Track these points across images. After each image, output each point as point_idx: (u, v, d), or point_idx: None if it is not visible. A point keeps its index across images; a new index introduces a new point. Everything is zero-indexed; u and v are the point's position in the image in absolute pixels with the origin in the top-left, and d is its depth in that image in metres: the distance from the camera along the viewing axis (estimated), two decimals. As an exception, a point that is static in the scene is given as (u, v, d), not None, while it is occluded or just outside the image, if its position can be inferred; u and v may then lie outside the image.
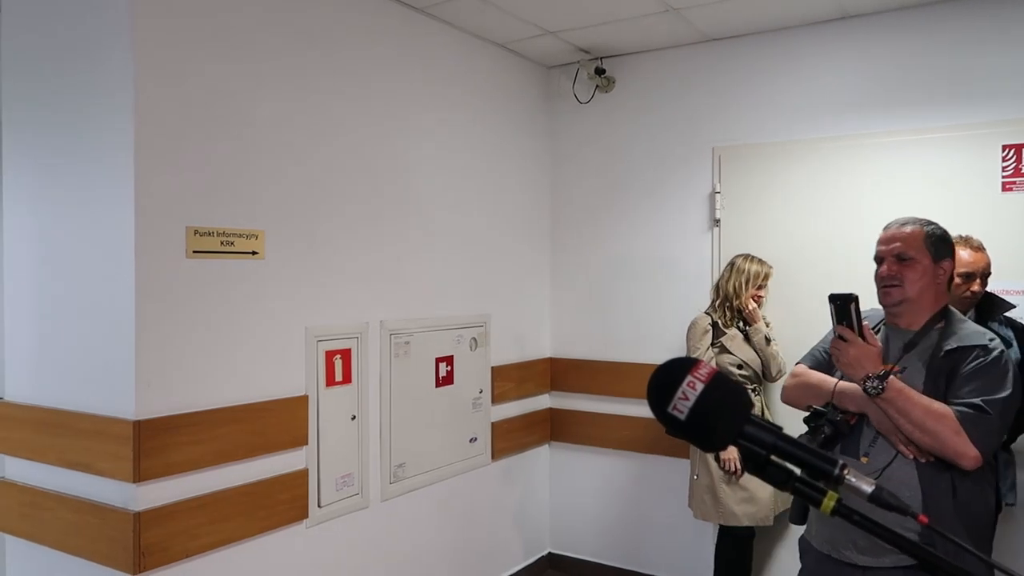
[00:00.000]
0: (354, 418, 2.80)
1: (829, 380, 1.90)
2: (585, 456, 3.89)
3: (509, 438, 3.65)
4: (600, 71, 3.75)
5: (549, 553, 3.98)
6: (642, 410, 3.23)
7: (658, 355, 3.43)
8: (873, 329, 1.87)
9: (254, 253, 2.44)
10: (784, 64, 3.39)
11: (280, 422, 2.50)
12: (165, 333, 2.19)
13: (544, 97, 3.96)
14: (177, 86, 2.23)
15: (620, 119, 3.79)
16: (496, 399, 3.55)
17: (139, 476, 2.10)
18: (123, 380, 2.14)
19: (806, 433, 1.81)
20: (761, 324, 3.22)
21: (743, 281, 3.22)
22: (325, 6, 2.70)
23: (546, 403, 3.96)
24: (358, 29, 2.84)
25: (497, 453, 3.56)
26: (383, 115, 2.95)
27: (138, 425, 2.10)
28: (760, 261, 3.26)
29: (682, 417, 0.90)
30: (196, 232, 2.27)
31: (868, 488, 0.90)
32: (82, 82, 2.25)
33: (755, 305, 3.24)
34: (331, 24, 2.73)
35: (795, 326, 3.21)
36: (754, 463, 0.93)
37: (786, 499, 2.91)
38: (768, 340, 3.19)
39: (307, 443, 2.61)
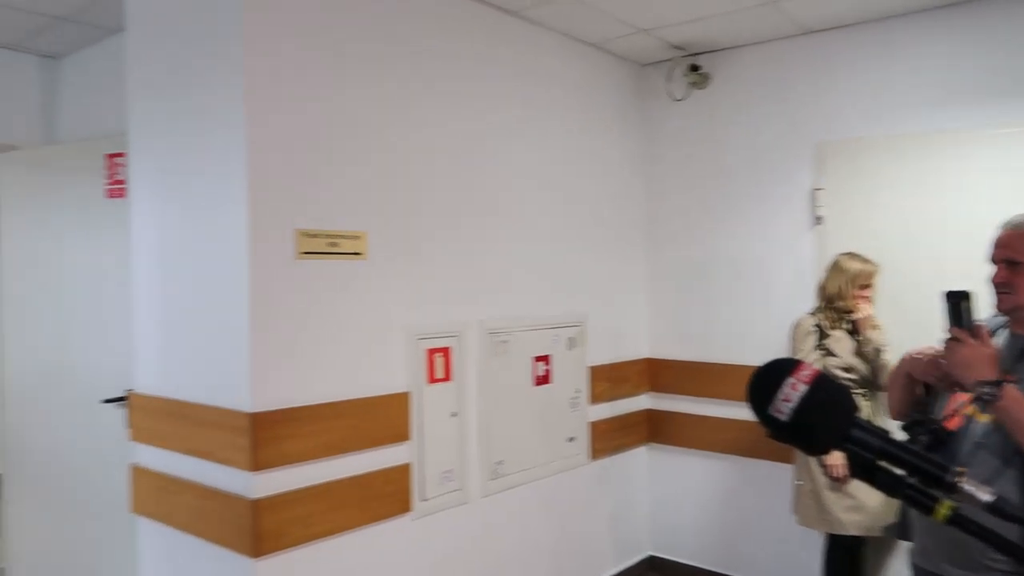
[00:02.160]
0: (454, 415, 2.87)
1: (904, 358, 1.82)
2: (685, 458, 3.83)
3: (607, 438, 3.64)
4: (695, 68, 3.69)
5: (650, 556, 3.94)
6: (743, 412, 3.16)
7: (759, 356, 3.33)
8: (994, 332, 1.76)
9: (358, 254, 2.54)
10: (888, 55, 3.24)
11: (384, 417, 2.60)
12: (277, 331, 2.31)
13: (637, 95, 3.92)
14: (285, 98, 2.35)
15: (716, 116, 3.72)
16: (593, 399, 3.55)
17: (256, 465, 2.22)
18: (239, 375, 2.27)
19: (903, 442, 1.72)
20: (872, 333, 3.03)
21: (846, 281, 3.08)
22: (422, 13, 2.78)
23: (644, 404, 3.92)
24: (453, 34, 2.91)
25: (595, 453, 3.56)
26: (480, 118, 3.01)
27: (254, 417, 2.22)
28: (864, 259, 3.11)
29: (783, 419, 0.89)
30: (304, 234, 2.38)
31: (987, 497, 0.86)
32: (197, 99, 2.40)
33: (866, 312, 3.06)
34: (428, 30, 2.80)
35: (905, 327, 3.07)
36: (861, 468, 0.90)
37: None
38: (879, 351, 3.02)
39: (410, 438, 2.69)
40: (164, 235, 2.57)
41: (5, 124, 3.91)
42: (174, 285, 2.53)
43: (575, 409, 3.45)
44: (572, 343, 3.44)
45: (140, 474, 2.63)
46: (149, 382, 2.63)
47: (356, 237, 2.53)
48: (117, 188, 3.33)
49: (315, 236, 2.41)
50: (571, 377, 3.43)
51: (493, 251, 3.05)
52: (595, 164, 3.63)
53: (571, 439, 3.42)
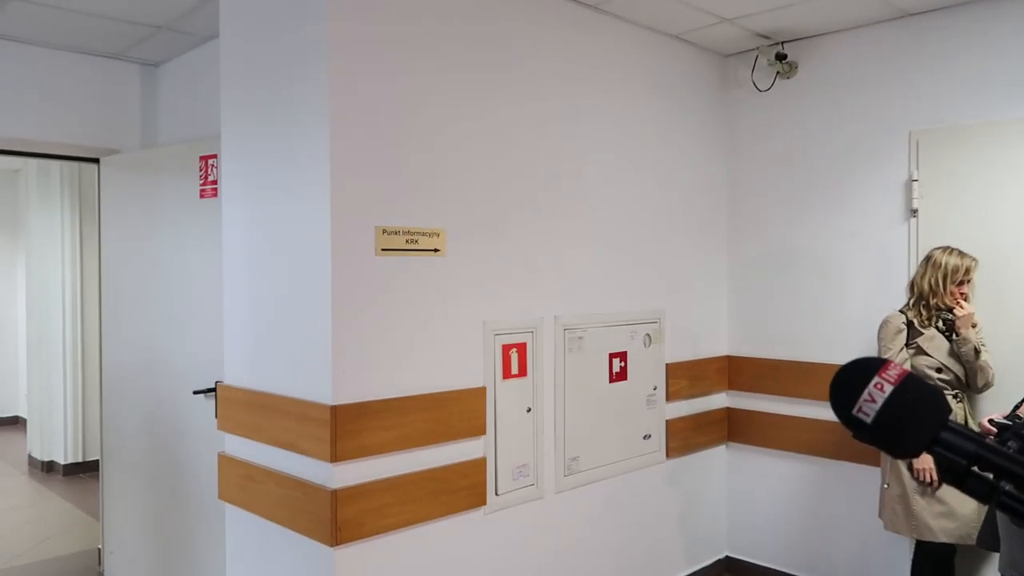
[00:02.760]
0: (529, 410, 2.88)
1: None
2: (765, 459, 3.73)
3: (684, 436, 3.58)
4: (781, 56, 3.58)
5: (727, 557, 3.86)
6: (827, 413, 3.06)
7: (845, 355, 3.22)
8: None
9: (436, 250, 2.58)
10: (988, 38, 3.06)
11: (460, 412, 2.63)
12: (357, 326, 2.37)
13: (720, 87, 3.84)
14: (366, 96, 2.40)
15: (803, 106, 3.60)
16: (670, 396, 3.50)
17: (336, 457, 2.29)
18: (321, 368, 2.34)
19: None
20: (969, 333, 2.87)
21: (940, 277, 2.91)
22: (502, 10, 2.79)
23: (723, 402, 3.84)
24: (532, 30, 2.91)
25: (672, 451, 3.51)
26: (556, 113, 3.00)
27: (335, 410, 2.29)
28: (961, 254, 2.94)
29: (868, 421, 0.86)
30: (384, 231, 2.43)
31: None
32: (283, 102, 2.48)
33: (966, 311, 2.88)
34: (508, 28, 2.82)
35: (1006, 326, 2.90)
36: (952, 474, 0.86)
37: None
38: (978, 352, 2.85)
39: (485, 433, 2.71)
40: (252, 233, 2.67)
41: (109, 130, 4.14)
42: (261, 281, 2.62)
43: (651, 406, 3.41)
44: (649, 339, 3.40)
45: (227, 462, 2.74)
46: (237, 374, 2.74)
47: (434, 234, 2.57)
48: (210, 188, 3.48)
49: (395, 233, 2.46)
50: (648, 374, 3.39)
51: (570, 247, 3.05)
52: (675, 157, 3.57)
53: (647, 437, 3.39)
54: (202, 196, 3.52)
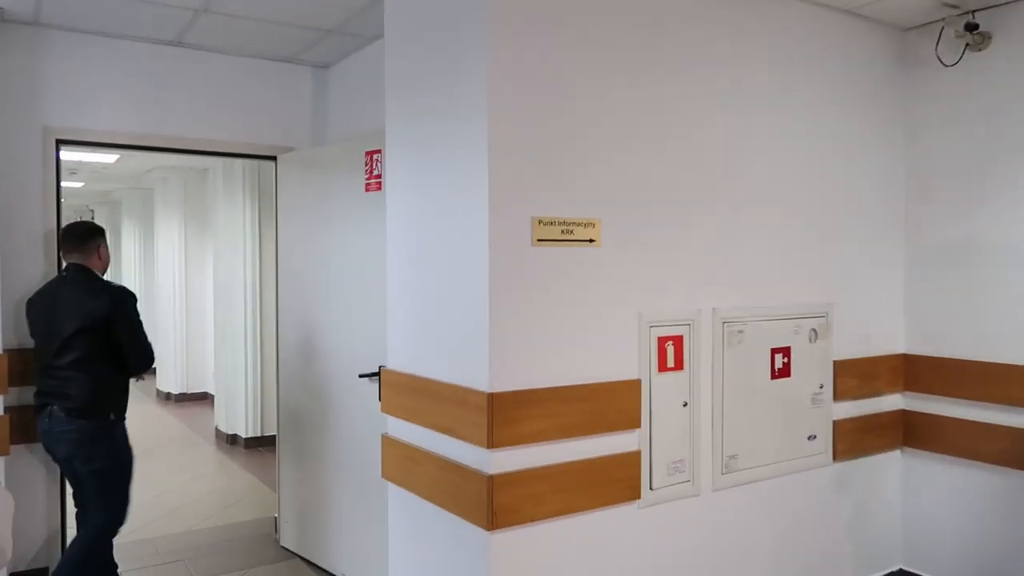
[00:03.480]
0: (686, 405, 2.80)
1: None
2: (948, 467, 3.43)
3: (853, 439, 3.36)
4: (971, 26, 3.25)
5: (900, 570, 3.59)
6: (1024, 420, 2.77)
7: (1047, 356, 2.90)
8: None
9: (591, 241, 2.56)
10: None
11: (615, 404, 2.60)
12: (513, 315, 2.39)
13: (897, 64, 3.54)
14: (522, 90, 2.42)
15: (997, 81, 3.25)
16: (838, 396, 3.29)
17: (492, 443, 2.33)
18: (479, 356, 2.39)
19: None
20: None
21: None
22: (660, -5, 2.72)
23: (898, 404, 3.57)
24: (689, 10, 2.81)
25: (839, 454, 3.30)
26: (716, 96, 2.89)
27: (491, 397, 2.33)
28: None
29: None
30: (540, 222, 2.44)
31: None
32: (444, 97, 2.55)
33: None
34: (664, 10, 2.74)
35: None
36: None
37: None
38: None
39: (640, 426, 2.67)
40: (414, 225, 2.77)
41: (285, 129, 4.45)
42: (422, 271, 2.72)
43: (817, 405, 3.22)
44: (815, 335, 3.21)
45: (389, 443, 2.87)
46: (399, 359, 2.85)
47: (589, 224, 2.55)
48: (375, 182, 3.65)
49: (550, 224, 2.47)
50: (813, 371, 3.21)
51: (730, 237, 2.93)
52: (846, 140, 3.34)
53: (811, 437, 3.20)
54: (367, 190, 3.70)
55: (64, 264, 3.52)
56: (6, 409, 3.59)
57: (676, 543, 2.80)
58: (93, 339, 3.31)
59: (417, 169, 2.75)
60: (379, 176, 3.58)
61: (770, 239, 3.06)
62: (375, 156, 3.62)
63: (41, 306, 3.48)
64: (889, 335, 3.54)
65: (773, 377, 3.07)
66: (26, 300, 3.58)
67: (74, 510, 3.52)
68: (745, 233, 2.98)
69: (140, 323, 3.45)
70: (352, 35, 3.90)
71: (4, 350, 3.58)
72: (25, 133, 3.79)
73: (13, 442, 3.59)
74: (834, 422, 3.28)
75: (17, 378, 3.64)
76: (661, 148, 2.74)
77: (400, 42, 2.86)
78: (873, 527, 3.49)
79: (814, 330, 3.21)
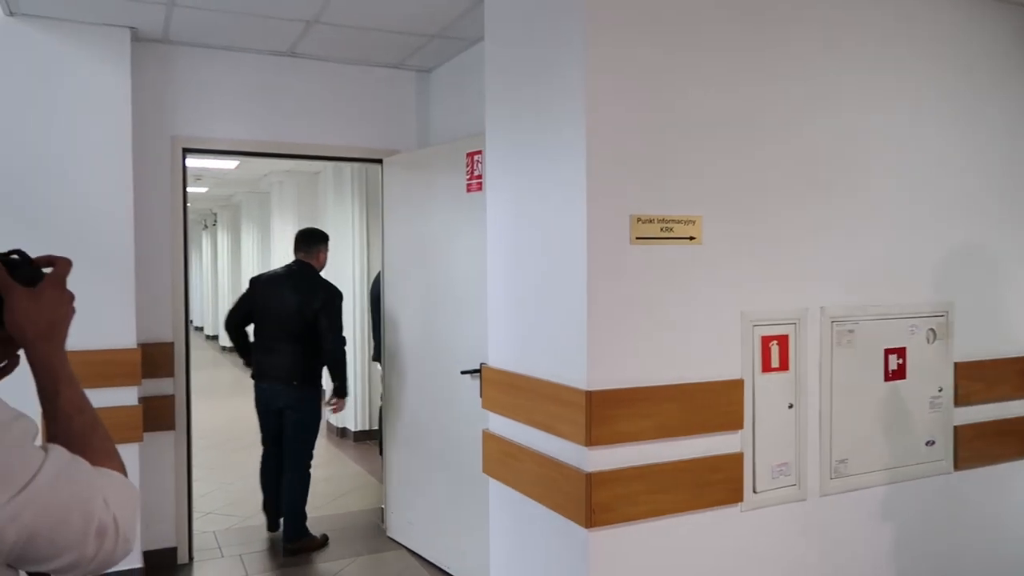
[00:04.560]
0: (791, 406, 2.72)
1: None
2: (1085, 479, 3.17)
3: (977, 447, 3.16)
4: (1115, 1, 2.99)
5: (1031, 587, 3.35)
6: None
7: None
8: None
9: (692, 238, 2.52)
10: None
11: (716, 404, 2.55)
12: (612, 313, 2.39)
13: (1029, 45, 3.30)
14: (623, 86, 2.41)
15: None
16: (960, 400, 3.10)
17: (590, 441, 2.34)
18: (577, 354, 2.40)
19: None
20: None
21: None
22: (763, -15, 2.65)
23: (1029, 410, 3.32)
24: (805, 3, 2.72)
25: (961, 462, 3.11)
26: (823, 89, 2.78)
27: (590, 395, 2.34)
28: None
29: None
30: (639, 220, 2.43)
31: None
32: (543, 98, 2.57)
33: None
34: (781, 6, 2.66)
35: None
36: None
37: None
38: None
39: (742, 427, 2.61)
40: (514, 224, 2.81)
41: (391, 133, 4.60)
42: (521, 269, 2.75)
43: (936, 410, 3.05)
44: (933, 335, 3.04)
45: (490, 439, 2.92)
46: (499, 356, 2.90)
47: (690, 221, 2.52)
48: (476, 183, 3.72)
49: (649, 221, 2.45)
50: (932, 373, 3.04)
51: (839, 231, 2.82)
52: (970, 128, 3.14)
53: (930, 443, 3.03)
54: (468, 190, 3.78)
55: (293, 258, 4.59)
56: (140, 399, 3.88)
57: (780, 548, 2.72)
58: (306, 324, 4.33)
59: (516, 169, 2.79)
60: (480, 176, 3.65)
61: (884, 233, 2.92)
62: (476, 157, 3.69)
63: (266, 290, 4.50)
64: (1019, 335, 3.30)
65: (887, 379, 2.93)
66: (251, 277, 4.73)
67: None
68: (856, 227, 2.86)
69: (340, 317, 4.43)
70: (453, 39, 3.99)
71: (138, 344, 3.87)
72: (156, 143, 4.09)
73: (146, 430, 3.88)
74: (955, 428, 3.10)
75: (149, 370, 3.93)
76: (765, 140, 2.66)
77: (499, 44, 2.91)
78: (1002, 540, 3.27)
79: (932, 330, 3.04)
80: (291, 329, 4.36)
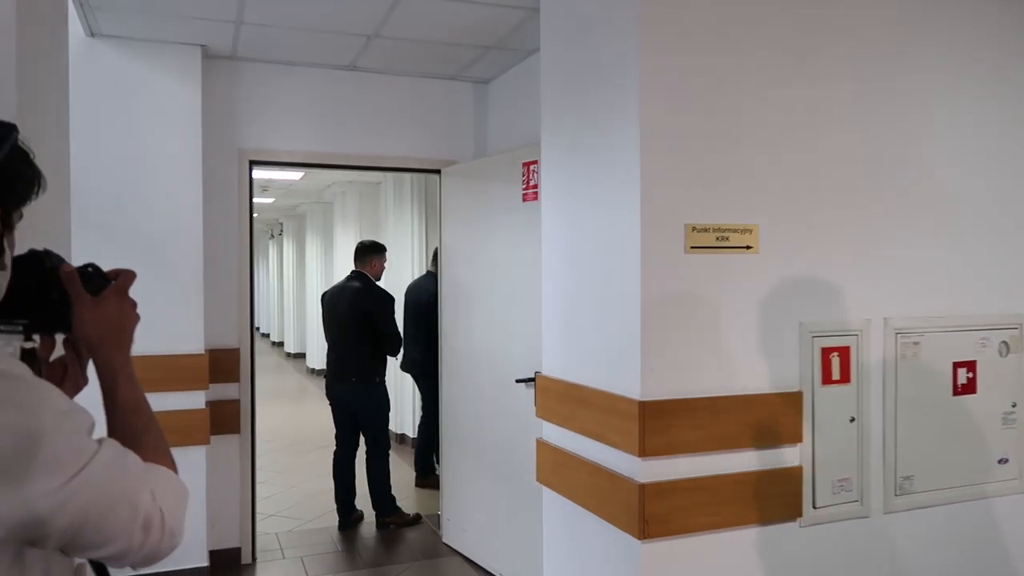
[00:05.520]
0: (853, 420, 2.64)
1: None
2: None
3: (1054, 465, 3.01)
4: None
5: (1114, 616, 3.17)
6: None
7: None
8: None
9: (748, 247, 2.48)
10: None
11: (774, 416, 2.50)
12: (666, 323, 2.38)
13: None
14: (676, 94, 2.39)
15: None
16: (1035, 416, 2.97)
17: (644, 451, 2.32)
18: (630, 364, 2.39)
19: None
20: None
21: None
22: (823, -11, 2.60)
23: (1111, 428, 3.15)
24: (863, 5, 2.66)
25: (1036, 480, 2.98)
26: (883, 90, 2.71)
27: (643, 405, 2.32)
28: None
29: None
30: (693, 229, 2.41)
31: None
32: (597, 108, 2.58)
33: None
34: (837, 7, 2.61)
35: None
36: None
37: None
38: None
39: (802, 440, 2.55)
40: (568, 233, 2.82)
41: (449, 144, 4.67)
42: (576, 279, 2.76)
43: (1009, 426, 2.92)
44: (1006, 348, 2.92)
45: (543, 448, 2.93)
46: (553, 366, 2.91)
47: (747, 230, 2.48)
48: (531, 192, 3.75)
49: (704, 231, 2.42)
50: (1005, 388, 2.91)
51: (903, 240, 2.73)
52: (1043, 135, 3.01)
53: (1002, 461, 2.91)
54: (524, 200, 3.80)
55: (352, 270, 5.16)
56: (207, 403, 4.02)
57: (841, 566, 2.64)
58: (362, 327, 4.89)
59: (571, 178, 2.79)
60: (535, 186, 3.67)
61: (951, 242, 2.82)
62: (531, 167, 3.72)
63: (330, 302, 5.12)
64: (1100, 350, 3.14)
65: (955, 393, 2.83)
66: (321, 294, 5.42)
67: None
68: (922, 236, 2.77)
69: (393, 318, 4.99)
70: (510, 50, 4.03)
71: (206, 349, 4.01)
72: (224, 155, 4.24)
73: (212, 433, 4.01)
74: (1030, 445, 2.96)
75: (216, 375, 4.07)
76: (823, 145, 2.61)
77: (554, 54, 2.93)
78: (1080, 565, 3.11)
79: (1005, 342, 2.92)
80: (349, 333, 4.93)
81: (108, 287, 1.11)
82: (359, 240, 5.51)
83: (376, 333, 4.92)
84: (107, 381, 1.09)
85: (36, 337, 1.10)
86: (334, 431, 5.10)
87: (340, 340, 5.00)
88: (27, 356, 1.09)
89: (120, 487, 0.94)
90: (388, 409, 5.16)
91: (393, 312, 5.01)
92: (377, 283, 5.14)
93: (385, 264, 5.32)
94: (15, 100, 1.46)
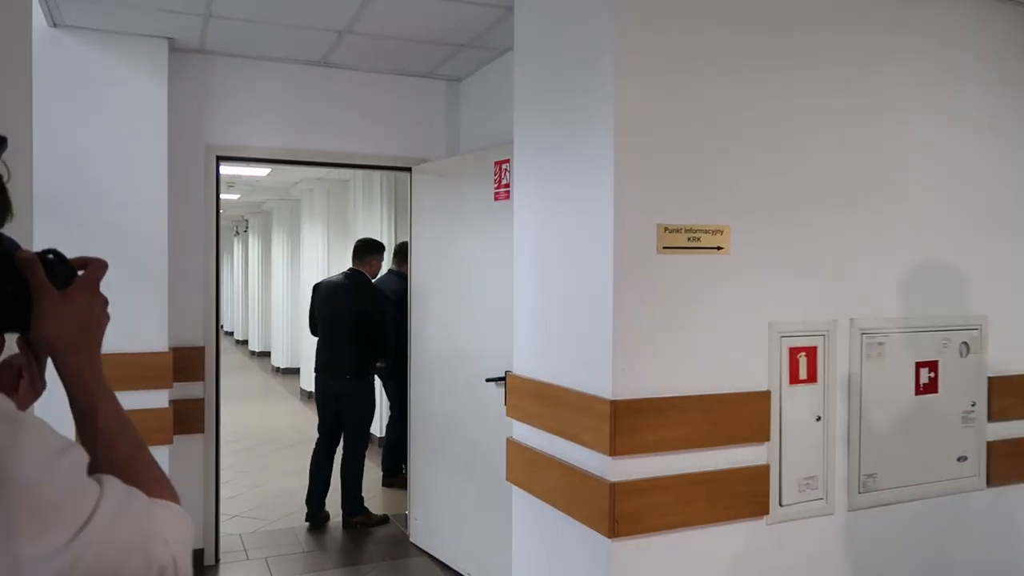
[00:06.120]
0: (819, 419, 2.69)
1: None
2: (1124, 499, 3.09)
3: (1012, 463, 3.09)
4: None
5: (1067, 610, 3.27)
6: None
7: None
8: None
9: (719, 248, 2.51)
10: None
11: (742, 415, 2.53)
12: (638, 323, 2.39)
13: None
14: (650, 96, 2.41)
15: None
16: (994, 415, 3.04)
17: (615, 451, 2.33)
18: (602, 363, 2.40)
19: None
20: None
21: None
22: (794, -5, 2.64)
23: (1065, 427, 3.25)
24: (831, 15, 2.70)
25: (995, 478, 3.05)
26: (851, 98, 2.76)
27: (614, 404, 2.33)
28: None
29: None
30: (666, 229, 2.43)
31: None
32: (571, 108, 2.59)
33: None
34: (806, 16, 2.65)
35: None
36: None
37: None
38: None
39: (769, 439, 2.59)
40: (540, 232, 2.82)
41: (420, 141, 4.64)
42: (548, 278, 2.76)
43: (968, 425, 2.99)
44: (966, 348, 2.99)
45: (514, 447, 2.93)
46: (524, 365, 2.91)
47: (718, 231, 2.51)
48: (503, 191, 3.74)
49: (676, 231, 2.44)
50: (964, 388, 2.98)
51: (868, 243, 2.79)
52: (1006, 140, 3.09)
53: (961, 459, 2.98)
54: (496, 199, 3.80)
55: (349, 267, 5.15)
56: (171, 402, 3.94)
57: (807, 563, 2.68)
58: (358, 326, 4.89)
59: (544, 178, 2.80)
60: (507, 185, 3.67)
61: (916, 245, 2.89)
62: (503, 166, 3.71)
63: (325, 296, 5.07)
64: (1055, 351, 3.23)
65: (917, 393, 2.89)
66: (313, 284, 5.36)
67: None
68: (888, 240, 2.83)
69: (389, 318, 4.97)
70: (483, 49, 4.02)
71: (170, 348, 3.94)
72: (191, 150, 4.17)
73: (175, 432, 3.94)
74: (988, 443, 3.04)
75: (180, 374, 4.00)
76: (794, 151, 2.65)
77: (529, 54, 2.93)
78: (1035, 560, 3.20)
79: (965, 343, 2.99)
80: (345, 330, 4.94)
81: (75, 279, 0.93)
82: (361, 238, 5.53)
83: (371, 333, 4.94)
84: (82, 398, 0.90)
85: None
86: (317, 423, 5.14)
87: (335, 337, 4.99)
88: None
89: (131, 536, 0.79)
90: (374, 409, 5.22)
91: (390, 313, 5.04)
92: (373, 282, 5.19)
93: (382, 264, 5.39)
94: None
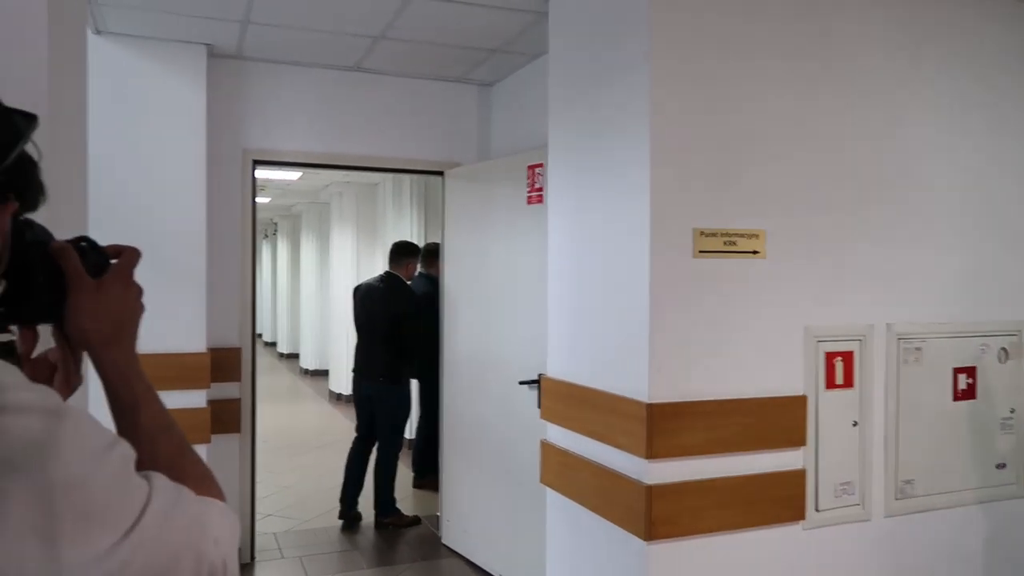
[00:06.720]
0: (856, 424, 2.67)
1: None
2: None
3: (1051, 470, 3.05)
4: None
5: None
6: None
7: None
8: None
9: (755, 252, 2.51)
10: None
11: (778, 420, 2.53)
12: (674, 327, 2.40)
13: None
14: (686, 100, 2.42)
15: None
16: (1034, 422, 3.01)
17: (651, 454, 2.34)
18: (638, 366, 2.41)
19: None
20: None
21: None
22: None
23: (1107, 434, 3.19)
24: (859, 14, 2.69)
25: (1034, 486, 3.02)
26: (892, 102, 2.75)
27: (651, 408, 2.35)
28: None
29: None
30: (702, 233, 2.43)
31: None
32: (606, 113, 2.60)
33: None
34: (830, 14, 2.65)
35: None
36: None
37: None
38: None
39: (805, 444, 2.58)
40: (574, 236, 2.84)
41: (453, 146, 4.68)
42: (582, 281, 2.78)
43: (1008, 431, 2.96)
44: (1005, 354, 2.95)
45: (548, 449, 2.95)
46: (558, 367, 2.93)
47: (753, 235, 2.51)
48: (536, 195, 3.76)
49: (712, 235, 2.45)
50: (1004, 393, 2.95)
51: (906, 248, 2.77)
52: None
53: (1001, 466, 2.95)
54: (529, 202, 3.82)
55: (386, 269, 5.25)
56: (208, 402, 4.02)
57: (843, 568, 2.67)
58: (391, 328, 4.99)
59: (578, 182, 2.82)
60: (540, 189, 3.69)
61: (953, 250, 2.86)
62: (536, 170, 3.74)
63: (362, 298, 5.20)
64: (1097, 357, 3.18)
65: (955, 399, 2.86)
66: (353, 287, 5.50)
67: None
68: (925, 244, 2.81)
69: (422, 321, 4.98)
70: (516, 53, 4.05)
71: (208, 349, 4.01)
72: (228, 155, 4.24)
73: (213, 432, 4.01)
74: (1029, 451, 3.00)
75: (217, 374, 4.07)
76: (831, 154, 2.64)
77: (563, 58, 2.95)
78: (1076, 569, 3.15)
79: (1004, 349, 2.96)
80: (378, 332, 5.05)
81: (109, 269, 0.88)
82: (397, 241, 5.58)
83: (405, 335, 5.02)
84: (123, 395, 0.86)
85: (14, 328, 0.86)
86: (355, 423, 5.23)
87: (369, 338, 5.10)
88: (3, 352, 0.85)
89: (181, 536, 0.74)
90: (408, 411, 5.25)
91: (422, 316, 5.08)
92: (408, 284, 5.25)
93: (418, 266, 5.42)
94: (47, 99, 1.47)
